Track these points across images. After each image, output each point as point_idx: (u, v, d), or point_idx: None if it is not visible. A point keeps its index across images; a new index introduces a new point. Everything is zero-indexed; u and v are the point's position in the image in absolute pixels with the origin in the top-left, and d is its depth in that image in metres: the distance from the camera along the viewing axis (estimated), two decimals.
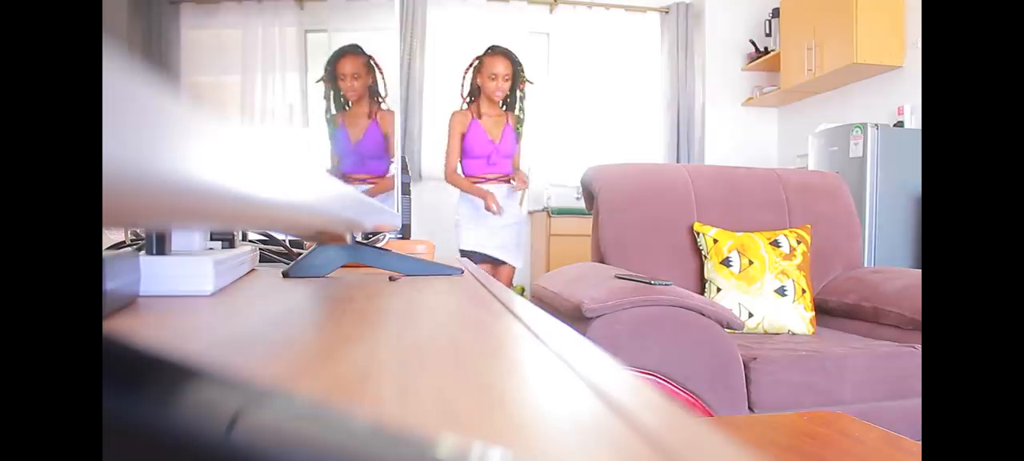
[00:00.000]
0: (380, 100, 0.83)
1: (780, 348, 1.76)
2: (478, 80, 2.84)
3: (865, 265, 2.68)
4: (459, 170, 2.84)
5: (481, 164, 2.84)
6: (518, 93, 2.84)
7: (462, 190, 2.83)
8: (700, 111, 4.66)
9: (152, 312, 0.48)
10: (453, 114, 2.88)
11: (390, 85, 0.94)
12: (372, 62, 0.77)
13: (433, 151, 4.38)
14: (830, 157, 3.32)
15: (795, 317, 2.03)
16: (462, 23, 4.50)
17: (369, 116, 0.84)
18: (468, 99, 2.89)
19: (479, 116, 2.85)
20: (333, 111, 0.78)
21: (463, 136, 2.84)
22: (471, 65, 2.87)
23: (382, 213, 0.58)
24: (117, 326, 0.40)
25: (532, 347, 0.36)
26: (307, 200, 0.24)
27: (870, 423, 1.15)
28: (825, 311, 2.19)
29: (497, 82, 2.78)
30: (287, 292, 0.62)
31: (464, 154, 2.84)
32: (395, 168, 1.00)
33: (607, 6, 4.67)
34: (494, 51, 2.83)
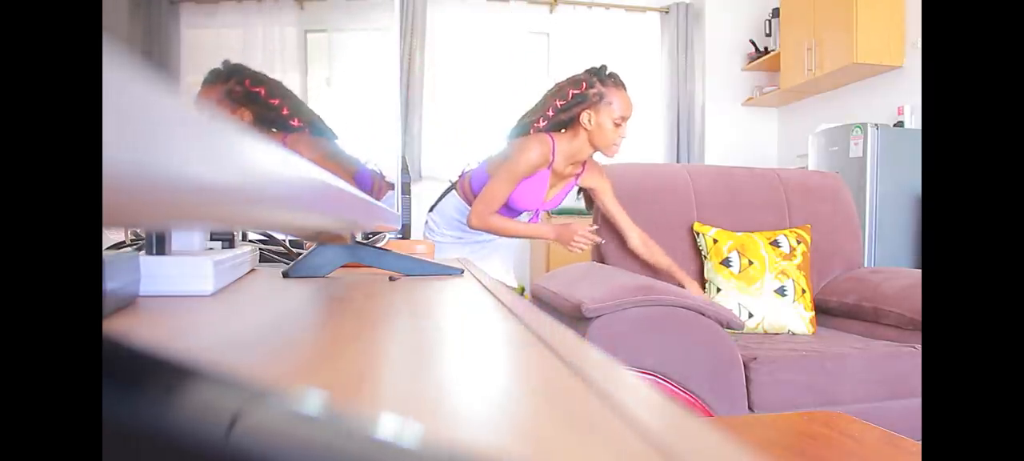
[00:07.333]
0: (283, 122, 0.51)
1: (780, 348, 1.76)
2: (586, 115, 1.87)
3: (865, 265, 2.67)
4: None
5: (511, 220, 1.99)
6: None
7: (507, 236, 2.01)
8: (700, 111, 4.66)
9: (152, 312, 0.48)
10: (530, 140, 1.89)
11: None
12: (251, 82, 0.44)
13: (433, 151, 4.38)
14: (830, 157, 3.32)
15: (795, 317, 2.03)
16: (462, 23, 4.50)
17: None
18: (548, 127, 1.92)
19: (554, 165, 1.92)
20: None
21: (524, 179, 1.91)
22: (582, 87, 1.88)
23: (382, 213, 0.58)
24: (117, 326, 0.40)
25: (532, 347, 0.36)
26: (307, 200, 0.24)
27: (870, 423, 1.15)
28: (825, 311, 2.19)
29: (621, 130, 1.89)
30: (287, 292, 0.62)
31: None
32: (391, 174, 0.99)
33: (607, 6, 4.67)
34: (618, 82, 1.89)
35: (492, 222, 1.92)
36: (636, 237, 2.07)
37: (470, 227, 1.95)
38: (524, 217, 2.07)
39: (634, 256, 2.09)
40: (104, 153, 0.09)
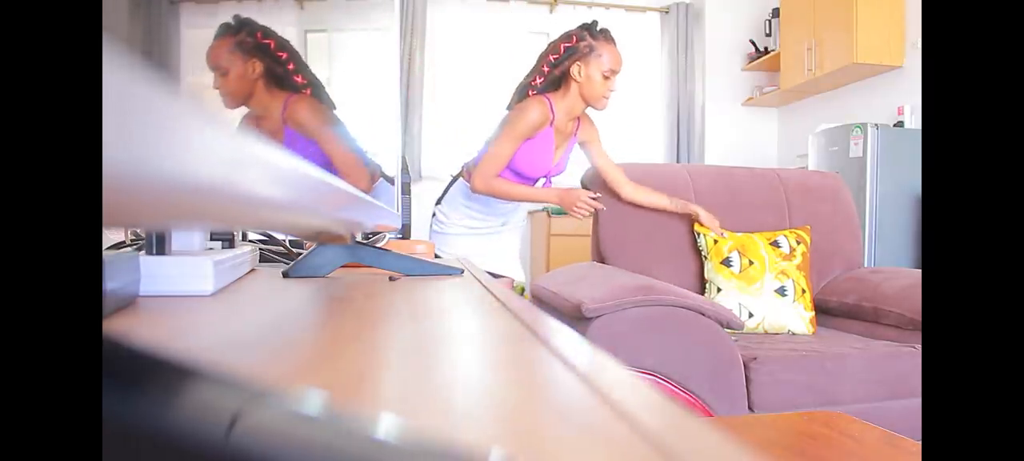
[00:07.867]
0: (291, 84, 0.51)
1: (780, 348, 1.76)
2: (576, 67, 1.91)
3: (865, 265, 2.67)
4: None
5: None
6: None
7: (511, 200, 1.98)
8: (700, 111, 4.66)
9: (152, 312, 0.48)
10: (529, 102, 1.91)
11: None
12: (261, 37, 0.44)
13: (433, 151, 4.38)
14: (830, 157, 3.32)
15: (795, 317, 2.03)
16: (462, 23, 4.50)
17: (281, 122, 0.51)
18: (542, 87, 1.95)
19: (555, 122, 1.94)
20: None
21: (526, 140, 1.92)
22: (573, 40, 1.93)
23: (382, 213, 0.58)
24: (117, 326, 0.40)
25: (532, 347, 0.36)
26: (307, 200, 0.24)
27: (870, 423, 1.15)
28: (825, 311, 2.19)
29: (610, 84, 1.93)
30: (287, 292, 0.62)
31: (507, 170, 1.95)
32: (392, 169, 0.99)
33: (607, 6, 4.67)
34: (608, 37, 1.94)
35: (496, 185, 1.92)
36: (629, 187, 2.10)
37: (474, 191, 1.95)
38: (538, 186, 2.08)
39: (632, 204, 2.11)
40: (104, 153, 0.09)
